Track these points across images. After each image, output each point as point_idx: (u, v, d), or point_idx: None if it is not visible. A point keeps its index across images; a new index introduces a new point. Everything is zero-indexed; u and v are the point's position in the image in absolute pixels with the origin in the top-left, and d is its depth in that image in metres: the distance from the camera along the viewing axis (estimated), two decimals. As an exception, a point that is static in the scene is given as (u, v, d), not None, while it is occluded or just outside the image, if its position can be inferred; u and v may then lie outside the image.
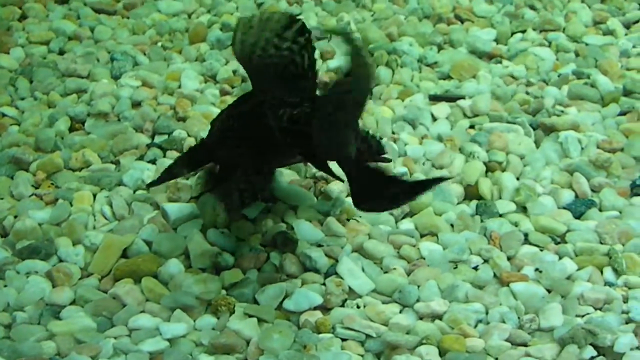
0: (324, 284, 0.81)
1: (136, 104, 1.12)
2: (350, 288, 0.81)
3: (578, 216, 0.93)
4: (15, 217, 0.88)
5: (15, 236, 0.85)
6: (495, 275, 0.84)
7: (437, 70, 1.25)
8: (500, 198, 0.96)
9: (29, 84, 1.17)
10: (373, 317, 0.78)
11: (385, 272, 0.84)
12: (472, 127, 1.10)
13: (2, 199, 0.92)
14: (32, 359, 0.70)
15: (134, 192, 0.93)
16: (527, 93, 1.18)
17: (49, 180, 0.95)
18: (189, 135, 1.05)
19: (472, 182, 0.97)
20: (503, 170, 1.00)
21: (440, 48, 1.32)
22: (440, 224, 0.90)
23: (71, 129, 1.07)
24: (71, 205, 0.91)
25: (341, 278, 0.82)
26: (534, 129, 1.08)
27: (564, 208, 0.94)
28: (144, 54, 1.29)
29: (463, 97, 1.15)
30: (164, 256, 0.83)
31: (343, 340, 0.76)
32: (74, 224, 0.87)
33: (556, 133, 1.06)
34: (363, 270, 0.84)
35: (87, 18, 1.40)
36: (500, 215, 0.93)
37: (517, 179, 0.99)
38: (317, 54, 0.81)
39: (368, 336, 0.76)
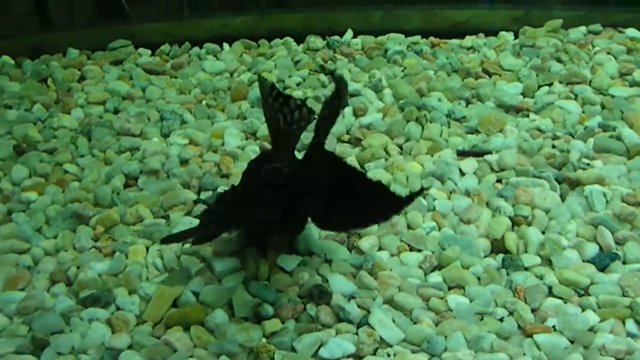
0: (356, 334, 0.87)
1: (184, 162, 1.22)
2: (381, 338, 0.87)
3: (602, 269, 0.97)
4: (78, 267, 0.98)
5: (78, 286, 0.94)
6: (519, 326, 0.88)
7: (465, 124, 1.32)
8: (526, 252, 1.00)
9: (87, 142, 1.29)
10: (407, 366, 0.83)
11: (415, 323, 0.89)
12: (499, 181, 1.16)
13: (66, 251, 1.01)
14: None
15: (182, 246, 1.02)
16: (554, 146, 1.23)
17: (107, 234, 1.04)
18: (232, 191, 1.13)
19: (498, 236, 1.02)
20: (529, 225, 1.05)
21: (468, 102, 1.39)
22: (467, 277, 0.96)
23: (126, 185, 1.17)
24: (127, 257, 1.00)
25: (373, 328, 0.88)
26: (560, 183, 1.13)
27: (588, 261, 0.98)
28: (190, 112, 1.40)
29: (490, 152, 1.21)
30: (210, 306, 0.91)
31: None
32: (129, 275, 0.96)
33: (581, 187, 1.11)
34: (393, 321, 0.89)
35: (139, 78, 1.52)
36: (526, 269, 0.98)
37: (543, 232, 1.03)
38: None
39: (398, 384, 0.82)
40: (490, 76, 1.47)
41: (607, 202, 1.08)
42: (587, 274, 0.95)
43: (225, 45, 1.67)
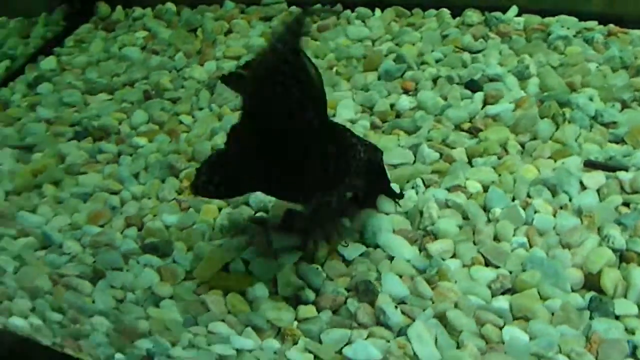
0: (389, 342, 0.83)
1: (289, 128, 1.23)
2: (415, 354, 0.81)
3: None
4: (155, 216, 1.06)
5: (146, 232, 1.03)
6: (578, 383, 0.77)
7: (611, 131, 1.15)
8: (625, 297, 0.86)
9: (209, 95, 1.36)
10: (426, 390, 0.78)
11: (458, 347, 0.82)
12: (627, 205, 0.99)
13: (149, 198, 1.10)
14: (128, 329, 0.86)
15: (255, 213, 1.04)
16: None
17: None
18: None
19: (594, 270, 0.88)
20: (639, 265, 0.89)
21: (625, 106, 1.20)
22: (538, 310, 0.85)
23: (227, 144, 1.21)
24: (198, 215, 1.05)
25: (409, 341, 0.82)
26: None
27: (702, 325, 0.81)
28: (317, 78, 1.39)
29: (626, 169, 1.04)
30: (256, 278, 0.93)
31: (390, 404, 0.78)
32: (193, 232, 1.01)
33: None
34: (436, 339, 0.83)
35: (281, 37, 1.55)
36: (617, 317, 0.84)
37: (657, 277, 0.87)
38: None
39: (414, 408, 0.77)
40: (668, 78, 1.25)
41: None
42: (693, 341, 0.78)
43: (377, 11, 1.63)
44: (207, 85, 1.38)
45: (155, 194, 1.10)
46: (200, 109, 1.33)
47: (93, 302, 0.91)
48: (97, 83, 1.42)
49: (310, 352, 0.83)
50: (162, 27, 1.64)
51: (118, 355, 0.81)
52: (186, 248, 0.99)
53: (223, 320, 0.88)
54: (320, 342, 0.84)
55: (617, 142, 1.13)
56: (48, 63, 1.54)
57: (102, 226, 1.05)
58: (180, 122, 1.29)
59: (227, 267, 0.95)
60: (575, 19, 1.47)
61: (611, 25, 1.44)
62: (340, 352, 0.83)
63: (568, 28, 1.45)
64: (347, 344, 0.83)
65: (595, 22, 1.45)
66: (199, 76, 1.42)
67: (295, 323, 0.87)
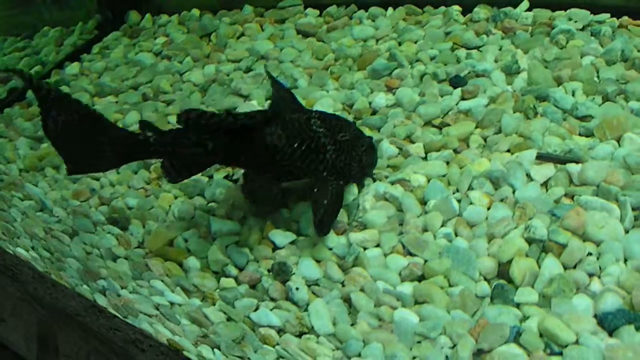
0: (289, 312, 0.96)
1: (261, 126, 1.37)
2: (312, 326, 0.93)
3: (611, 330, 0.83)
4: (119, 197, 1.27)
5: (111, 210, 1.26)
6: (448, 360, 0.84)
7: (583, 124, 1.18)
8: (532, 286, 0.91)
9: (200, 98, 1.52)
10: (309, 351, 0.89)
11: (352, 325, 0.91)
12: (571, 197, 1.03)
13: (121, 185, 1.31)
14: (92, 272, 1.06)
15: (207, 203, 1.19)
16: (671, 169, 1.03)
17: (157, 181, 1.29)
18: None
19: (504, 259, 0.94)
20: (559, 255, 0.93)
21: (606, 99, 1.22)
22: (437, 295, 0.92)
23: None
24: (157, 201, 1.22)
25: (309, 315, 0.94)
26: (640, 214, 0.96)
27: (597, 316, 0.84)
28: (310, 77, 1.52)
29: (577, 162, 1.08)
30: (191, 253, 1.11)
31: (280, 357, 0.90)
32: (147, 214, 1.21)
33: (669, 226, 0.93)
34: (335, 317, 0.93)
35: (287, 39, 1.70)
36: (517, 305, 0.89)
37: (574, 267, 0.91)
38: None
39: (296, 362, 0.88)
40: (664, 72, 1.26)
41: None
42: (579, 330, 0.82)
43: (390, 10, 1.72)
44: (201, 88, 1.55)
45: (127, 182, 1.30)
46: (191, 110, 1.50)
47: (70, 250, 1.15)
48: (107, 87, 1.64)
49: (224, 312, 0.98)
50: (180, 33, 1.84)
51: (84, 286, 1.04)
52: (142, 225, 1.20)
53: (162, 281, 1.06)
54: (233, 306, 0.99)
55: (587, 136, 1.16)
56: (72, 68, 1.79)
57: (82, 201, 1.31)
58: (168, 122, 1.46)
59: (171, 242, 1.14)
60: (587, 12, 1.49)
61: (625, 18, 1.45)
62: (248, 316, 0.98)
63: (575, 22, 1.47)
64: (254, 311, 0.98)
65: (608, 15, 1.47)
66: (195, 79, 1.59)
67: (218, 291, 1.03)
